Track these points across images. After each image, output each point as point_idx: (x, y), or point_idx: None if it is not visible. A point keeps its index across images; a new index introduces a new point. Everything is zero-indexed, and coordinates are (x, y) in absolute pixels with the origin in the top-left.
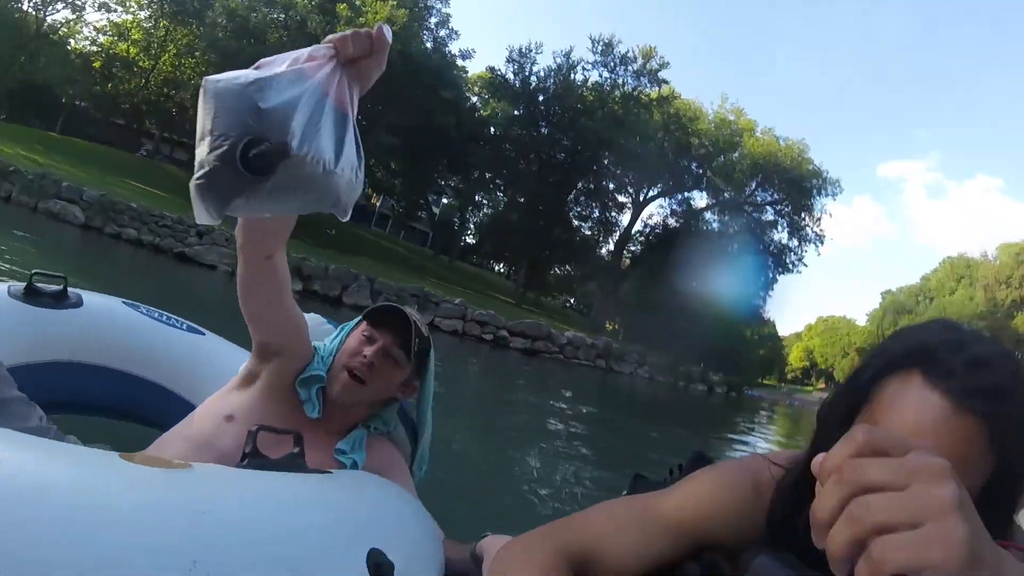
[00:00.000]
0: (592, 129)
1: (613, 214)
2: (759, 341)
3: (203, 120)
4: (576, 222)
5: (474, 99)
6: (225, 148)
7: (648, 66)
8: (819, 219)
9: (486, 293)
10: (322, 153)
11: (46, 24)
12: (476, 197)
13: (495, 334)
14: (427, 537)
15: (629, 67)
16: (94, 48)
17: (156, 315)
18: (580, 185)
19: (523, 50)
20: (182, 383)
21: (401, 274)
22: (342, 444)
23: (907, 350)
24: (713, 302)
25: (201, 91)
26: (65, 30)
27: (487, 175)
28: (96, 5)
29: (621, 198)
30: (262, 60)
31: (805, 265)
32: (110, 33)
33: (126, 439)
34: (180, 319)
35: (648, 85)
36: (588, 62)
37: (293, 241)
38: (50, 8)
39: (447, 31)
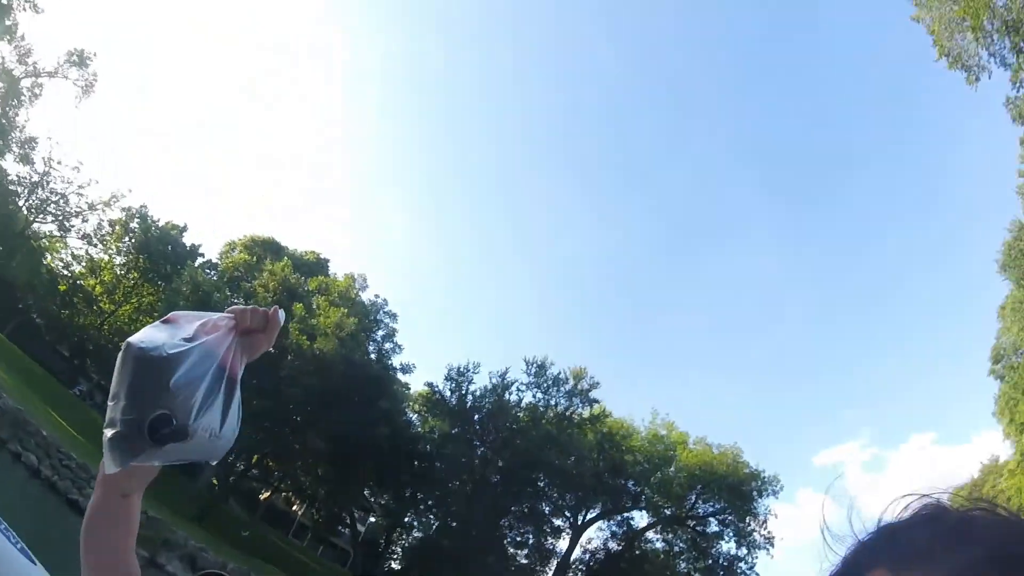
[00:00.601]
0: (526, 449)
1: (550, 540)
2: None
3: (119, 382)
4: (511, 549)
5: (411, 415)
6: (134, 417)
7: (579, 386)
8: (764, 521)
9: None
10: (212, 425)
11: (31, 228)
12: (405, 518)
13: None
14: None
15: (561, 387)
16: (64, 272)
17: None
18: (514, 508)
19: (461, 369)
20: None
21: None
22: None
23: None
24: None
25: (123, 350)
26: (46, 242)
27: (418, 495)
28: (81, 233)
29: (558, 522)
30: (173, 314)
31: (757, 574)
32: (84, 264)
33: None
34: (18, 539)
35: (580, 405)
36: (523, 383)
37: (208, 535)
38: (40, 215)
39: (392, 344)
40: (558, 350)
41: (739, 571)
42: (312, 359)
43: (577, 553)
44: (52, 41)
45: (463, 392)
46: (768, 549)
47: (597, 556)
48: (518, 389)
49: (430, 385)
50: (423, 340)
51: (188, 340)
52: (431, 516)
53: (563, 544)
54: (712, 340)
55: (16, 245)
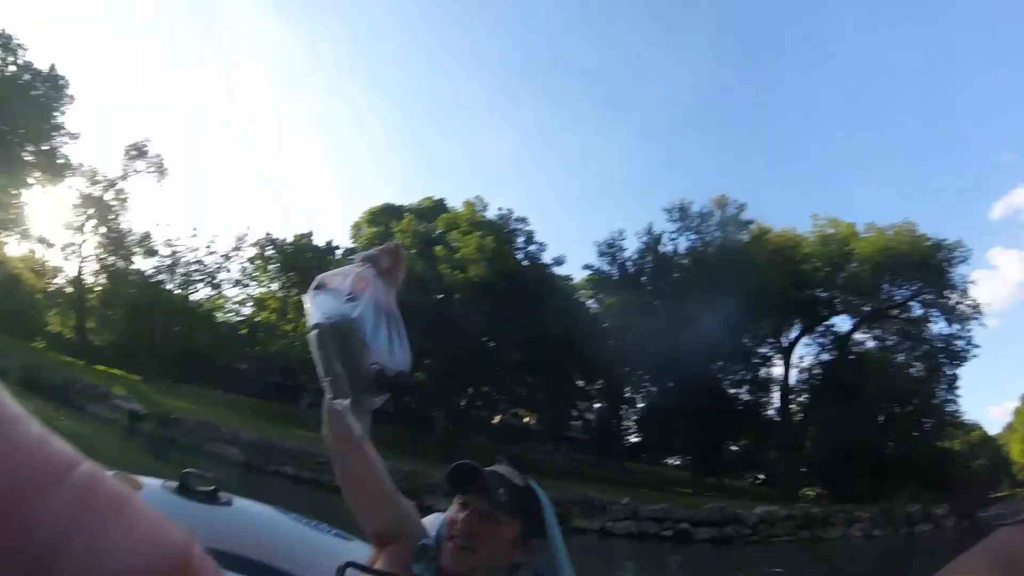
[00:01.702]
0: (701, 293)
1: (764, 371)
2: (972, 452)
3: (328, 359)
4: (731, 391)
5: (585, 301)
6: (358, 380)
7: (726, 213)
8: (964, 291)
9: (662, 489)
10: (400, 360)
11: (191, 300)
12: (626, 394)
13: (675, 528)
14: None
15: (710, 222)
16: (238, 318)
17: (304, 522)
18: (718, 352)
19: (609, 242)
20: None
21: (563, 483)
22: None
23: None
24: (904, 427)
25: (318, 333)
26: (209, 304)
27: (625, 369)
28: (232, 282)
29: (764, 351)
30: (319, 279)
31: (977, 346)
32: (251, 305)
33: None
34: (329, 527)
35: (735, 231)
36: (671, 232)
37: (443, 465)
38: (192, 287)
39: (535, 245)
40: (687, 189)
41: (958, 349)
42: (472, 288)
43: (793, 375)
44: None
45: (620, 262)
46: (978, 319)
47: (814, 372)
48: (670, 239)
49: (588, 267)
50: (559, 233)
51: (351, 299)
52: (646, 384)
53: (778, 371)
54: (833, 128)
55: (190, 320)
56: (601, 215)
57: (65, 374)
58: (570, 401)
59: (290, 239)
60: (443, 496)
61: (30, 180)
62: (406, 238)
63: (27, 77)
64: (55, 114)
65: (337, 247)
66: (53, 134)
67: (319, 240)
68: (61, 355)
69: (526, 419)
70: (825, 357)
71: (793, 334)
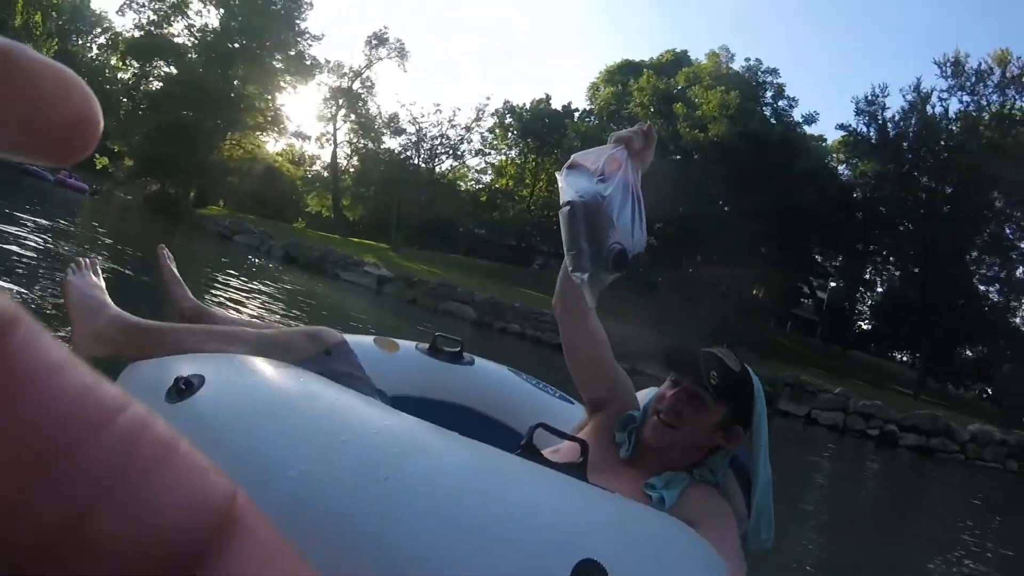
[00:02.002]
0: (969, 166)
1: (1021, 271)
2: None
3: (575, 234)
4: (980, 287)
5: (836, 166)
6: (601, 257)
7: (1008, 73)
8: None
9: (881, 384)
10: (638, 242)
11: (436, 172)
12: (866, 276)
13: (882, 428)
14: None
15: (987, 81)
16: (479, 186)
17: (534, 383)
18: (977, 240)
19: (869, 97)
20: (539, 434)
21: (780, 363)
22: (653, 479)
23: None
24: None
25: (569, 209)
26: (452, 175)
27: (871, 247)
28: (473, 152)
29: None
30: (573, 158)
31: None
32: (490, 173)
33: None
34: (554, 388)
35: (1017, 95)
36: (941, 90)
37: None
38: (436, 160)
39: (785, 101)
40: (966, 40)
41: None
42: (712, 148)
43: None
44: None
45: (880, 122)
46: None
47: None
48: (939, 99)
49: (843, 127)
50: (814, 85)
51: (603, 179)
52: (890, 267)
53: None
54: None
55: (435, 190)
56: (864, 66)
57: (321, 248)
58: (803, 277)
59: (528, 105)
60: (655, 362)
61: (283, 84)
62: (644, 96)
63: None
64: (296, 21)
65: (576, 109)
66: (298, 39)
67: (556, 104)
68: (319, 232)
69: (755, 292)
70: None
71: None
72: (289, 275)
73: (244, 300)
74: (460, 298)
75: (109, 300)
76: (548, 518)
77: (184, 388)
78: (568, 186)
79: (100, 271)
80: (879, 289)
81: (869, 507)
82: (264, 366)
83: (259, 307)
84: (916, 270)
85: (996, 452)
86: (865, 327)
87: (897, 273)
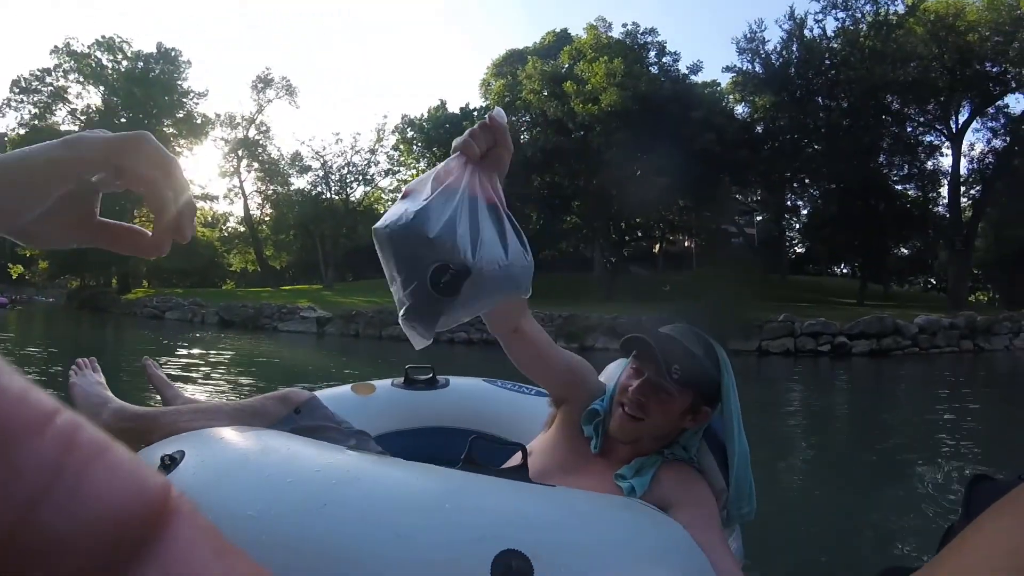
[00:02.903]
0: (857, 78)
1: (931, 163)
2: None
3: (387, 265)
4: (897, 188)
5: (735, 106)
6: (415, 284)
7: None
8: None
9: (826, 302)
10: (495, 255)
11: (351, 201)
12: (788, 203)
13: (832, 342)
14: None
15: None
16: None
17: (510, 386)
18: (883, 144)
19: (748, 35)
20: (521, 435)
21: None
22: (623, 470)
23: None
24: None
25: (375, 241)
26: (367, 200)
27: (786, 175)
28: (383, 173)
29: (929, 139)
30: (406, 188)
31: None
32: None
33: None
34: (531, 387)
35: (888, 3)
36: (816, 12)
37: (621, 306)
38: (349, 189)
39: (669, 57)
40: None
41: None
42: (608, 118)
43: (963, 165)
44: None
45: (763, 56)
46: None
47: (986, 161)
48: (816, 21)
49: (729, 68)
50: (694, 36)
51: (427, 197)
52: (809, 190)
53: (947, 162)
54: None
55: (353, 220)
56: (736, 7)
57: (255, 304)
58: (727, 217)
59: (425, 115)
60: (602, 335)
61: (178, 148)
62: (533, 83)
63: (140, 65)
64: (178, 83)
65: (474, 110)
66: (183, 100)
67: (453, 107)
68: (249, 288)
69: (687, 243)
70: (998, 144)
71: (962, 118)
72: (228, 340)
73: (191, 376)
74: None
75: (110, 394)
76: (472, 516)
77: (168, 463)
78: (385, 216)
79: (98, 367)
80: (803, 212)
81: (841, 421)
82: (234, 434)
83: (205, 381)
84: (832, 186)
85: (948, 336)
86: (800, 251)
87: (816, 192)
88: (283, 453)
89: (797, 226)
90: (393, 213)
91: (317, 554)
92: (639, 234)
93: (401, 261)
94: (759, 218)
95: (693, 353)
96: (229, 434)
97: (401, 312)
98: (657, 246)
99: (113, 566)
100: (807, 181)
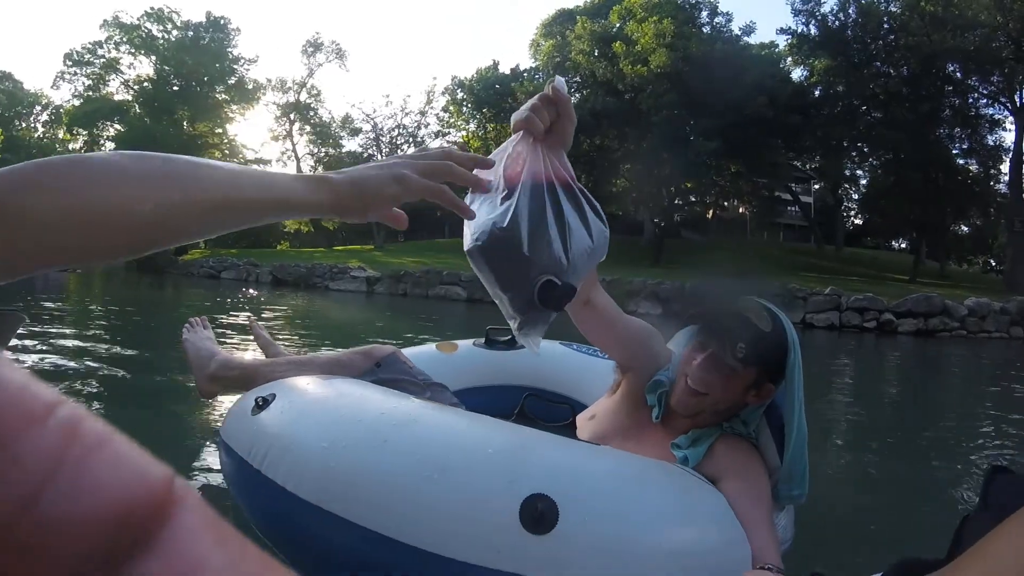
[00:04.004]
0: (917, 44)
1: (993, 136)
2: None
3: (489, 283)
4: (960, 161)
5: (792, 69)
6: (523, 301)
7: None
8: None
9: (878, 276)
10: (581, 245)
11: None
12: (846, 171)
13: (878, 319)
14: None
15: None
16: None
17: (585, 350)
18: (943, 115)
19: None
20: (591, 398)
21: (769, 274)
22: (680, 439)
23: None
24: None
25: (470, 259)
26: None
27: (844, 143)
28: (432, 135)
29: (991, 112)
30: (474, 176)
31: None
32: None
33: None
34: (598, 350)
35: None
36: None
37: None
38: (399, 151)
39: (722, 17)
40: None
41: None
42: (657, 80)
43: None
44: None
45: (818, 18)
46: None
47: None
48: None
49: (783, 31)
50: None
51: (506, 197)
52: (870, 160)
53: (1009, 137)
54: None
55: None
56: None
57: (307, 264)
58: (781, 184)
59: (476, 76)
60: (644, 299)
61: (230, 114)
62: (583, 43)
63: (190, 34)
64: (228, 50)
65: (524, 71)
66: (234, 67)
67: (504, 68)
68: (302, 249)
69: (741, 210)
70: None
71: None
72: (281, 298)
73: (246, 332)
74: (447, 280)
75: (218, 348)
76: (510, 461)
77: (261, 404)
78: (466, 226)
79: (208, 324)
80: (863, 181)
81: (878, 401)
82: (319, 381)
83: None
84: (889, 157)
85: (998, 321)
86: (858, 223)
87: (875, 162)
88: (355, 397)
89: (855, 197)
90: (477, 225)
91: (375, 481)
92: (692, 199)
93: (503, 278)
94: (816, 186)
95: (759, 330)
96: (314, 382)
97: (515, 326)
98: (711, 212)
99: (115, 556)
100: (865, 150)
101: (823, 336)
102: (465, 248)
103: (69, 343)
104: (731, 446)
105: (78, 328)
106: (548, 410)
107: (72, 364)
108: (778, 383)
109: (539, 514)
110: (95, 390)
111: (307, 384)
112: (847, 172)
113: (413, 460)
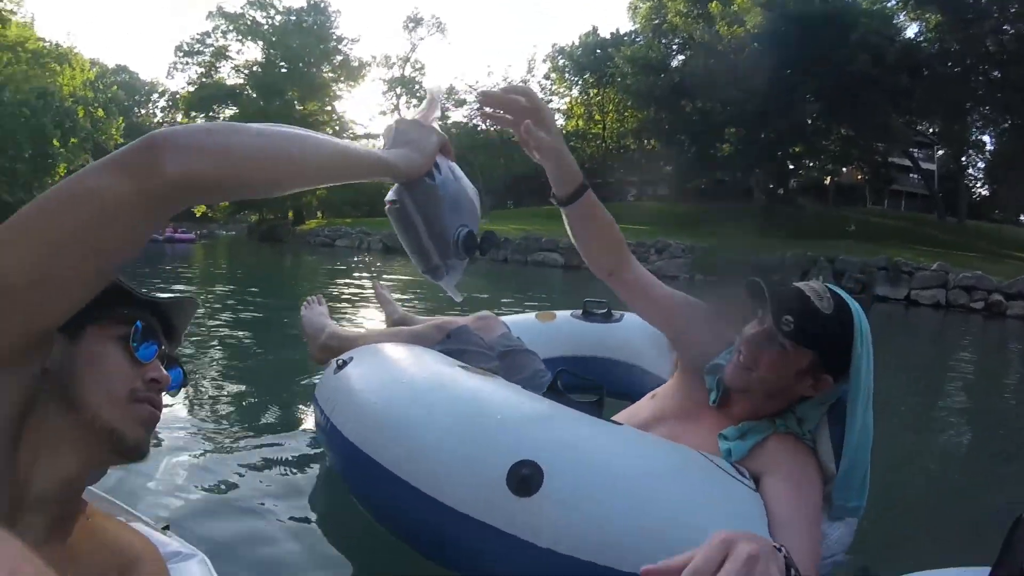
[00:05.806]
0: None
1: None
2: None
3: (413, 235)
4: None
5: (908, 24)
6: (448, 245)
7: None
8: None
9: (998, 253)
10: (474, 211)
11: (504, 134)
12: (969, 135)
13: (986, 300)
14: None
15: None
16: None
17: None
18: None
19: None
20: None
21: (880, 246)
22: (728, 429)
23: None
24: None
25: (390, 215)
26: None
27: (966, 104)
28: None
29: None
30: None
31: None
32: (559, 119)
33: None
34: None
35: None
36: None
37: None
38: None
39: None
40: None
41: None
42: (756, 41)
43: None
44: None
45: None
46: None
47: None
48: None
49: None
50: None
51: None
52: (997, 125)
53: None
54: None
55: (509, 152)
56: None
57: None
58: (896, 149)
59: (577, 42)
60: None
61: (338, 92)
62: (679, 4)
63: (292, 18)
64: (331, 31)
65: (624, 35)
66: (338, 47)
67: (604, 32)
68: None
69: (859, 176)
70: None
71: None
72: (390, 265)
73: (357, 301)
74: (545, 247)
75: (329, 321)
76: (512, 430)
77: (340, 366)
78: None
79: (323, 301)
80: (990, 148)
81: (968, 389)
82: (391, 348)
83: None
84: (1012, 121)
85: None
86: (984, 193)
87: (1005, 127)
88: (409, 362)
89: (980, 165)
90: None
91: (404, 435)
92: (810, 163)
93: (431, 227)
94: (940, 153)
95: (813, 307)
96: (387, 348)
97: (433, 274)
98: (828, 178)
99: None
100: (988, 113)
101: (927, 315)
102: (388, 199)
103: (203, 309)
104: (782, 446)
105: (209, 293)
106: (581, 387)
107: (205, 326)
108: (839, 377)
109: (522, 478)
110: (220, 355)
111: (380, 350)
112: (972, 137)
113: (430, 418)
